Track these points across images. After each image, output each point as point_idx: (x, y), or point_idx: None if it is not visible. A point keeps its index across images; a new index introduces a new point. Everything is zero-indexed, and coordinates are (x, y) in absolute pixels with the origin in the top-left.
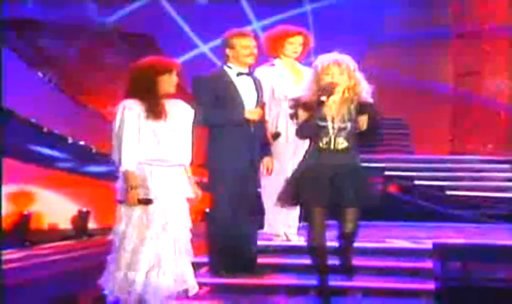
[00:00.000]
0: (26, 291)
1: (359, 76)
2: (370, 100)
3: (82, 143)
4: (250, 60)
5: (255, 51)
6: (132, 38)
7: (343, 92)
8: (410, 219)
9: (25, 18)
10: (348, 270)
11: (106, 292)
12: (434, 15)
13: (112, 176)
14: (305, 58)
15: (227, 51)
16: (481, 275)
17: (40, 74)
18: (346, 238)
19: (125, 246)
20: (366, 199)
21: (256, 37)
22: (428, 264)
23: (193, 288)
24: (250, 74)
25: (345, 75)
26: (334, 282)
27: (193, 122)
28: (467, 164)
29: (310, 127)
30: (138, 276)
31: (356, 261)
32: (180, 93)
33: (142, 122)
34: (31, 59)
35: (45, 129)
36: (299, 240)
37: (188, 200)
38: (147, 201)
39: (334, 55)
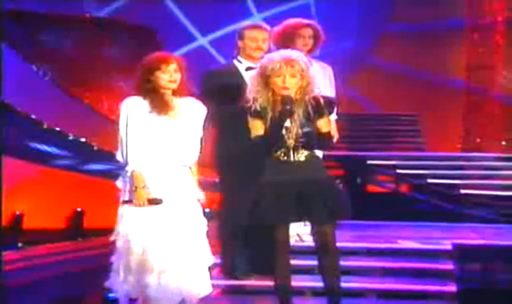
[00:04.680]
0: (20, 293)
1: (312, 74)
2: (321, 98)
3: (82, 140)
4: (257, 54)
5: (263, 45)
6: (129, 30)
7: (295, 94)
8: (423, 219)
9: (21, 10)
10: (334, 294)
11: (113, 295)
12: (445, 8)
13: (111, 174)
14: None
15: (238, 42)
16: (500, 277)
17: (34, 67)
18: (328, 257)
19: (133, 248)
20: (341, 213)
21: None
22: (447, 265)
23: (207, 290)
24: None
25: (298, 76)
26: (348, 283)
27: (204, 120)
28: (480, 162)
29: (266, 139)
30: (151, 278)
31: (369, 263)
32: (188, 89)
33: (147, 120)
34: (28, 52)
35: (45, 125)
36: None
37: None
38: (156, 201)
39: (285, 53)
